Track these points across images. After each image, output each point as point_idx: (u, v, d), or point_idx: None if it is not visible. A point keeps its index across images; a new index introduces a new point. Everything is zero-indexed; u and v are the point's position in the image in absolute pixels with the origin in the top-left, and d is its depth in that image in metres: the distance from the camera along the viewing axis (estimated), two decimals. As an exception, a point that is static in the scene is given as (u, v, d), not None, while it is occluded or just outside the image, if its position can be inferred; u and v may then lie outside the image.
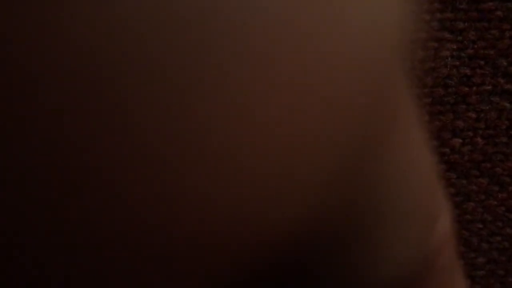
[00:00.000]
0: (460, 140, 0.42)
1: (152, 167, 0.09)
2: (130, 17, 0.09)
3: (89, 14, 0.09)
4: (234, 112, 0.10)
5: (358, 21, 0.10)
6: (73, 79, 0.09)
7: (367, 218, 0.13)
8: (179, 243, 0.10)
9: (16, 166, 0.09)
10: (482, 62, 0.41)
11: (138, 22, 0.09)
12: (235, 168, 0.10)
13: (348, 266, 0.14)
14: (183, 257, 0.10)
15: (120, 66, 0.09)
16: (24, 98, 0.09)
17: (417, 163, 0.14)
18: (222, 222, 0.10)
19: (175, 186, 0.10)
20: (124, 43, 0.09)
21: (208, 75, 0.09)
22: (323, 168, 0.11)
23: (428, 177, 0.14)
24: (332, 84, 0.10)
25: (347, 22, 0.10)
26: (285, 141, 0.10)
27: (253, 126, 0.10)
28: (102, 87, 0.09)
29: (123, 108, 0.09)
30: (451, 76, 0.41)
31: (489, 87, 0.42)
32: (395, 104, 0.13)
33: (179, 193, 0.10)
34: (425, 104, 0.40)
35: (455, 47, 0.40)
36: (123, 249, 0.10)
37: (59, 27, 0.09)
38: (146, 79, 0.09)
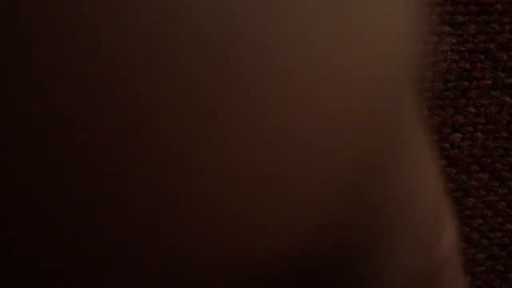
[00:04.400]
0: (460, 135, 0.42)
1: (162, 180, 0.09)
2: (142, 18, 0.09)
3: (100, 16, 0.09)
4: (243, 129, 0.10)
5: (367, 41, 0.10)
6: (84, 80, 0.09)
7: (375, 232, 0.13)
8: (186, 255, 0.10)
9: (18, 166, 0.09)
10: (482, 56, 0.41)
11: (149, 21, 0.09)
12: (245, 182, 0.10)
13: (355, 278, 0.14)
14: (190, 271, 0.10)
15: (128, 66, 0.09)
16: (30, 98, 0.09)
17: (424, 177, 0.14)
18: (232, 237, 0.10)
19: (183, 199, 0.10)
20: (133, 43, 0.09)
21: (216, 84, 0.09)
22: (333, 182, 0.11)
23: (434, 190, 0.15)
24: (343, 99, 0.10)
25: (356, 41, 0.10)
26: (296, 155, 0.10)
27: (265, 142, 0.10)
28: (110, 89, 0.09)
29: (130, 110, 0.09)
30: (451, 70, 0.41)
31: (489, 82, 0.41)
32: (404, 118, 0.13)
33: (186, 206, 0.10)
34: (425, 99, 0.40)
35: (455, 41, 0.40)
36: (131, 261, 0.10)
37: (71, 29, 0.09)
38: (154, 79, 0.09)
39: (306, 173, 0.10)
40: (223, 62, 0.09)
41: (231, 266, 0.11)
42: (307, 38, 0.10)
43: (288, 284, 0.12)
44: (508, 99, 0.42)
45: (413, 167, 0.14)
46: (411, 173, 0.14)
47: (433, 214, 0.15)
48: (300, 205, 0.11)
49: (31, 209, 0.09)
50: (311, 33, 0.10)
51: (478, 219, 0.44)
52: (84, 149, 0.09)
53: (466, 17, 0.40)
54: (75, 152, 0.09)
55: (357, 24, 0.10)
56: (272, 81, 0.10)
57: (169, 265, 0.10)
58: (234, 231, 0.10)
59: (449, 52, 0.41)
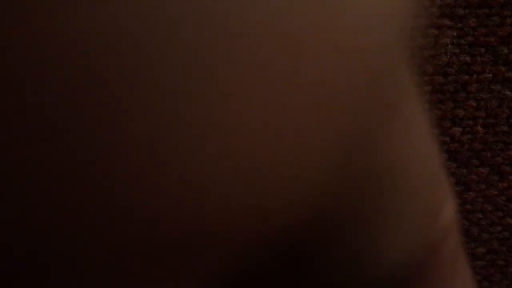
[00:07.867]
0: (460, 129, 0.42)
1: (148, 160, 0.09)
2: (126, 19, 0.09)
3: (86, 16, 0.09)
4: (232, 102, 0.10)
5: (359, 10, 0.10)
6: (72, 78, 0.09)
7: (371, 208, 0.13)
8: (177, 235, 0.10)
9: (17, 163, 0.09)
10: (482, 50, 0.41)
11: (133, 23, 0.09)
12: (234, 159, 0.10)
13: (351, 254, 0.14)
14: (182, 251, 0.10)
15: (116, 67, 0.09)
16: (21, 96, 0.09)
17: (420, 153, 0.14)
18: (222, 213, 0.10)
19: (170, 177, 0.10)
20: (120, 45, 0.09)
21: (204, 72, 0.09)
22: (326, 158, 0.11)
23: (432, 166, 0.14)
24: (332, 73, 0.10)
25: (348, 12, 0.10)
26: (286, 131, 0.10)
27: (253, 116, 0.10)
28: (100, 88, 0.09)
29: (119, 108, 0.09)
30: (451, 64, 0.41)
31: (490, 75, 0.41)
32: (397, 93, 0.13)
33: (175, 185, 0.10)
34: (424, 93, 0.40)
35: (455, 34, 0.40)
36: (117, 246, 0.10)
37: (57, 28, 0.09)
38: (141, 80, 0.09)
39: (298, 150, 0.10)
40: (202, 51, 0.09)
41: (226, 238, 0.11)
42: (299, 5, 0.10)
43: (281, 259, 0.12)
44: (508, 92, 0.42)
45: (408, 141, 0.14)
46: (406, 147, 0.14)
47: (431, 190, 0.14)
48: (293, 182, 0.11)
49: (19, 208, 0.09)
50: (294, 8, 0.10)
51: (478, 213, 0.44)
52: (71, 149, 0.09)
53: (466, 10, 0.40)
54: (62, 152, 0.09)
55: None
56: (263, 47, 0.09)
57: (164, 240, 0.10)
58: (228, 205, 0.10)
59: (449, 46, 0.40)
